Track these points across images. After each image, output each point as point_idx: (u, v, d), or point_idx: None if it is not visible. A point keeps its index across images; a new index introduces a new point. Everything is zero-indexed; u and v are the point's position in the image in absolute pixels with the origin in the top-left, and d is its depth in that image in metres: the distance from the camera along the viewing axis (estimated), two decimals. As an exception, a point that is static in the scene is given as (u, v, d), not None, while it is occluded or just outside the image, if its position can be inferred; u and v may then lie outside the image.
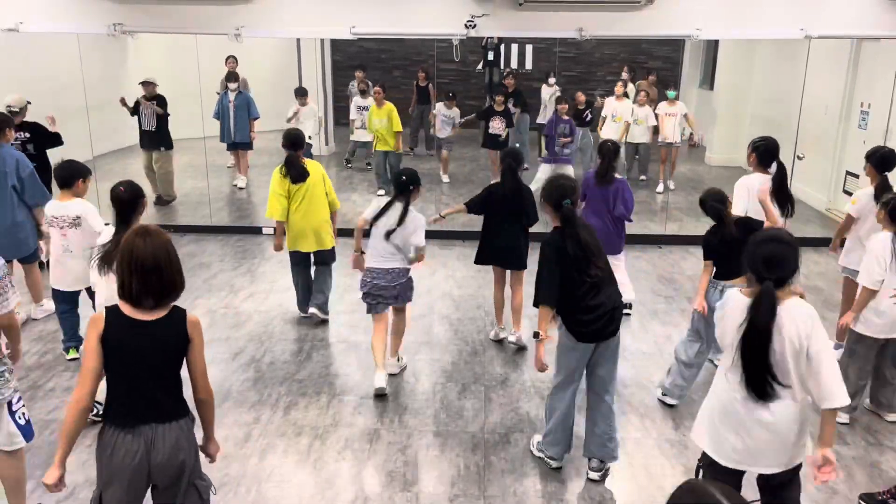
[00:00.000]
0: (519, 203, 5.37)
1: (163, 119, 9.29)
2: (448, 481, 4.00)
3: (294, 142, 5.79)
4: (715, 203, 4.63)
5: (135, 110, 9.30)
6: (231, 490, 3.89)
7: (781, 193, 4.98)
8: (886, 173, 5.07)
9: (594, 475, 4.01)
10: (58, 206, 4.96)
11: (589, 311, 3.77)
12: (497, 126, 10.18)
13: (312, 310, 6.01)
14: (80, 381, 2.68)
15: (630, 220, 5.91)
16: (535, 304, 3.82)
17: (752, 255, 2.87)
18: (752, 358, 2.82)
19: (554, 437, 4.07)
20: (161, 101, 9.29)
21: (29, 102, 6.84)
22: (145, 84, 9.25)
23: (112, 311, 2.70)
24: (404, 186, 4.92)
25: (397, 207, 4.89)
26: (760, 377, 2.82)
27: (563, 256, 3.73)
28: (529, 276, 5.21)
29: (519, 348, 5.61)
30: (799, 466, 3.02)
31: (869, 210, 5.04)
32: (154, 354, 2.70)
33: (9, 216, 5.62)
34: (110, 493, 2.76)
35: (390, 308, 5.09)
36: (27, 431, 3.43)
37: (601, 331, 3.82)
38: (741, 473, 3.04)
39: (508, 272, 5.65)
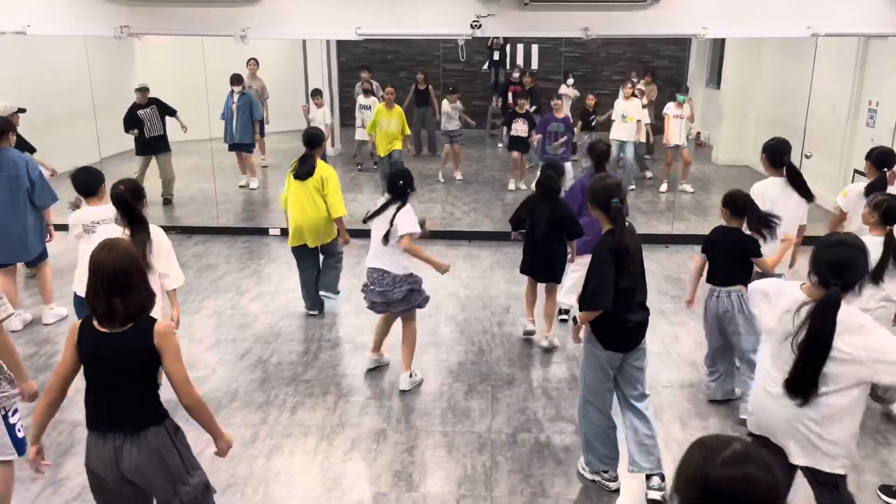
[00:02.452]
0: (560, 221, 5.30)
1: (165, 122, 9.38)
2: (455, 481, 4.00)
3: (309, 140, 5.94)
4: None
5: (131, 122, 9.31)
6: (238, 490, 3.90)
7: (800, 189, 4.97)
8: (886, 170, 5.07)
9: (655, 494, 3.80)
10: (94, 212, 4.59)
11: (621, 323, 3.68)
12: (520, 128, 10.20)
13: (321, 292, 6.20)
14: (52, 378, 2.83)
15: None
16: (582, 309, 3.69)
17: (818, 259, 2.82)
18: (805, 366, 2.77)
19: (591, 446, 3.94)
20: (160, 104, 9.36)
21: (22, 110, 6.54)
22: (141, 90, 9.31)
23: (85, 322, 2.76)
24: (401, 190, 4.79)
25: (392, 210, 4.79)
26: (809, 384, 2.79)
27: (616, 258, 3.57)
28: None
29: (548, 349, 5.58)
30: (837, 478, 2.97)
31: (857, 206, 5.00)
32: (119, 366, 2.72)
33: (22, 221, 5.63)
34: (94, 493, 2.89)
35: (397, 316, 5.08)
36: (20, 446, 3.34)
37: (627, 343, 3.77)
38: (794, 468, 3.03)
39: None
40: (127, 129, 9.30)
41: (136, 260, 2.76)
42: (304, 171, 5.80)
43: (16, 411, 3.33)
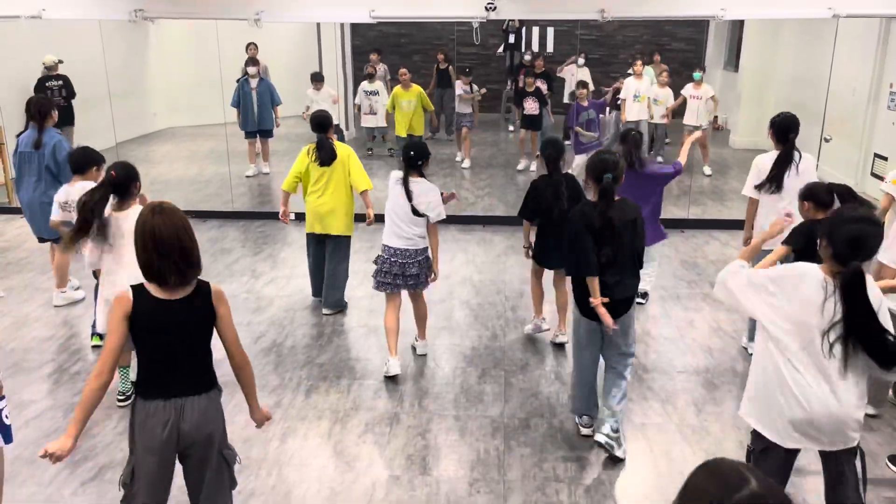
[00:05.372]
0: (568, 193, 5.12)
1: (70, 98, 9.62)
2: (468, 465, 4.01)
3: (321, 123, 5.75)
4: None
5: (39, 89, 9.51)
6: (252, 473, 3.93)
7: (778, 170, 4.88)
8: None
9: (600, 438, 4.11)
10: (65, 191, 5.00)
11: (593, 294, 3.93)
12: (531, 106, 10.17)
13: (325, 311, 5.95)
14: (103, 357, 2.72)
15: (680, 170, 5.69)
16: (575, 276, 4.03)
17: (835, 236, 2.78)
18: (865, 339, 2.74)
19: (574, 394, 4.35)
20: (67, 81, 9.58)
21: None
22: (57, 63, 9.50)
23: (138, 291, 2.72)
24: (413, 161, 4.84)
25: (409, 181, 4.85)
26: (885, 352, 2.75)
27: (589, 227, 3.85)
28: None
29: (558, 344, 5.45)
30: (856, 451, 2.96)
31: None
32: (182, 332, 2.76)
33: (44, 196, 5.76)
34: (143, 465, 2.83)
35: (405, 293, 5.10)
36: (8, 431, 3.22)
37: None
38: (795, 454, 3.00)
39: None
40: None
41: (184, 217, 2.77)
42: (326, 156, 5.66)
43: (1, 398, 3.21)
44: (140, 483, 2.85)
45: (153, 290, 2.71)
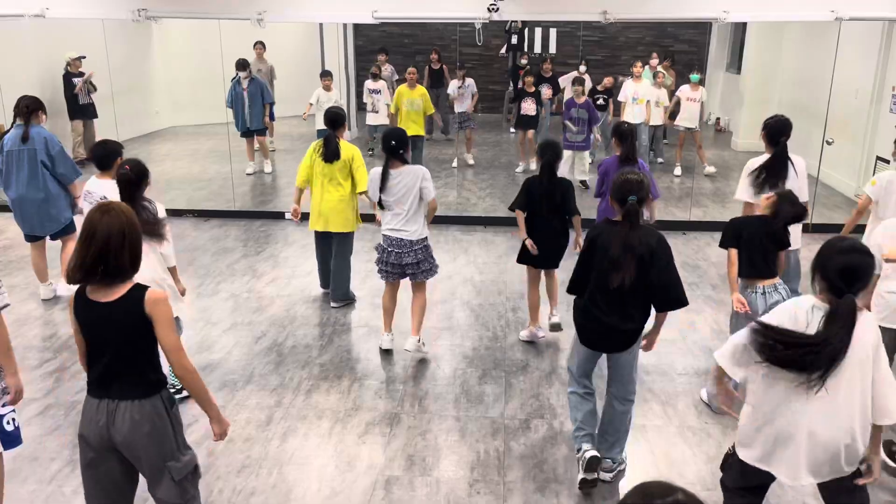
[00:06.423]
0: (558, 198, 5.19)
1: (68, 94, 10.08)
2: (468, 466, 4.01)
3: (333, 119, 5.84)
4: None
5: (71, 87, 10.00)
6: (253, 472, 3.93)
7: (770, 172, 4.87)
8: None
9: (605, 475, 3.86)
10: (94, 183, 5.05)
11: (589, 318, 3.71)
12: (528, 107, 10.20)
13: (334, 304, 6.07)
14: (78, 350, 2.86)
15: (658, 196, 5.74)
16: (570, 290, 3.85)
17: (827, 268, 2.73)
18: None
19: (575, 427, 3.92)
20: (64, 77, 10.04)
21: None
22: (78, 59, 9.85)
23: (79, 292, 2.74)
24: (395, 149, 5.00)
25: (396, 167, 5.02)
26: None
27: (594, 247, 3.64)
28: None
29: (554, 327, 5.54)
30: (854, 476, 2.86)
31: (889, 194, 4.90)
32: (112, 335, 2.71)
33: (41, 191, 5.80)
34: (82, 455, 2.84)
35: (409, 282, 5.20)
36: (12, 438, 3.21)
37: (596, 343, 3.78)
38: (772, 478, 2.96)
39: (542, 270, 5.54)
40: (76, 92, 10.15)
41: (134, 224, 2.72)
42: (329, 152, 5.74)
43: (5, 404, 3.19)
44: (83, 477, 2.85)
45: (89, 290, 2.71)
